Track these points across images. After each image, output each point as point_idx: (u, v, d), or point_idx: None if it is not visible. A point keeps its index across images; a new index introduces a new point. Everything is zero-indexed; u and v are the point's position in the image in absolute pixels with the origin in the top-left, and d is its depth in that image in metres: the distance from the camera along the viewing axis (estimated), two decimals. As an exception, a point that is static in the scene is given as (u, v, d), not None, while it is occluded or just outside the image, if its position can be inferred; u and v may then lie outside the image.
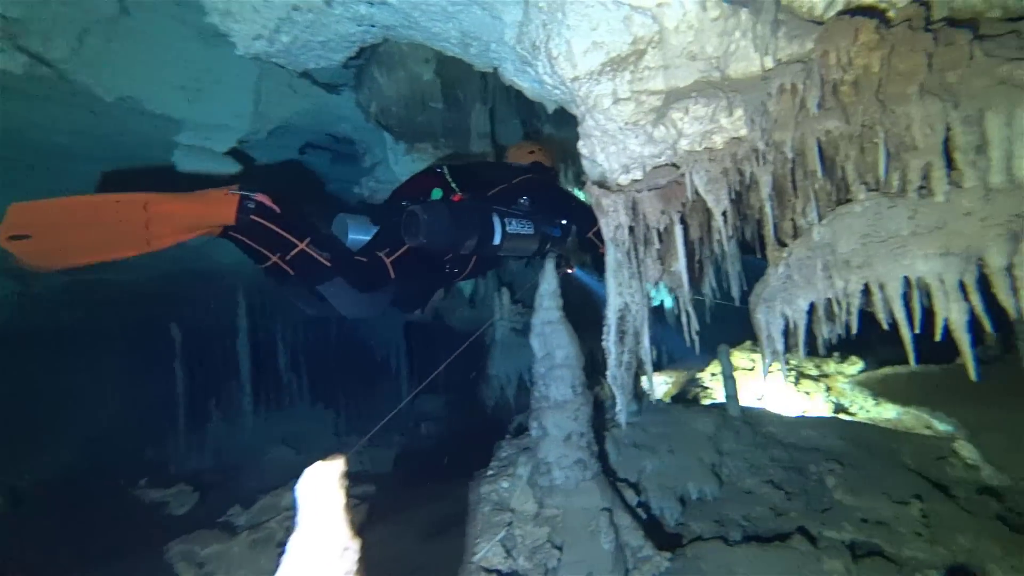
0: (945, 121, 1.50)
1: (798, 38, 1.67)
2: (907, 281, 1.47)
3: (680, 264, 1.93)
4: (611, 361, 2.33)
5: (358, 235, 2.42)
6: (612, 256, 2.18)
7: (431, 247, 2.24)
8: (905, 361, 1.70)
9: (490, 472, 3.02)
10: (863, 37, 1.49)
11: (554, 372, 2.78)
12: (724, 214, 1.78)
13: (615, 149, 2.00)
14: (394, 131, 5.02)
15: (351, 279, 2.23)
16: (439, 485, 3.56)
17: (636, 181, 2.03)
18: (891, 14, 1.59)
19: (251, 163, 5.04)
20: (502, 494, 2.82)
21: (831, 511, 2.88)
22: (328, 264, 2.16)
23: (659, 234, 2.02)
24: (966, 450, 3.02)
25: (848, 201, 1.68)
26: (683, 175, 1.87)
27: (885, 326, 1.50)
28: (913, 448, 3.15)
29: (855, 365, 4.70)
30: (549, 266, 2.84)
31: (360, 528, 0.92)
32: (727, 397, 3.56)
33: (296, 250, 2.11)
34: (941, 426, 3.39)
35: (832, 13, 1.76)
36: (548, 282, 2.84)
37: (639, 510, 2.93)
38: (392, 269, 2.33)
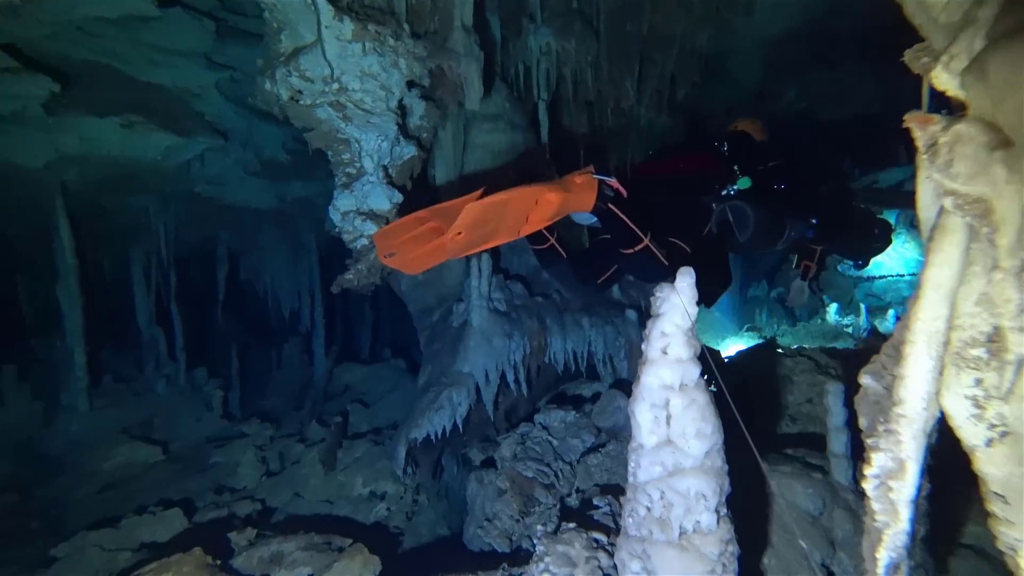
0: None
1: None
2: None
3: None
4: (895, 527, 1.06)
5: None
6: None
7: (741, 249, 2.20)
8: None
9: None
10: None
11: (682, 480, 1.46)
12: None
13: None
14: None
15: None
16: None
17: None
18: None
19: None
20: None
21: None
22: (666, 264, 1.92)
23: None
24: None
25: None
26: None
27: None
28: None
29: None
30: (684, 282, 1.44)
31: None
32: (832, 455, 2.48)
33: (640, 246, 1.91)
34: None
35: None
36: (685, 308, 1.45)
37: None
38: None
